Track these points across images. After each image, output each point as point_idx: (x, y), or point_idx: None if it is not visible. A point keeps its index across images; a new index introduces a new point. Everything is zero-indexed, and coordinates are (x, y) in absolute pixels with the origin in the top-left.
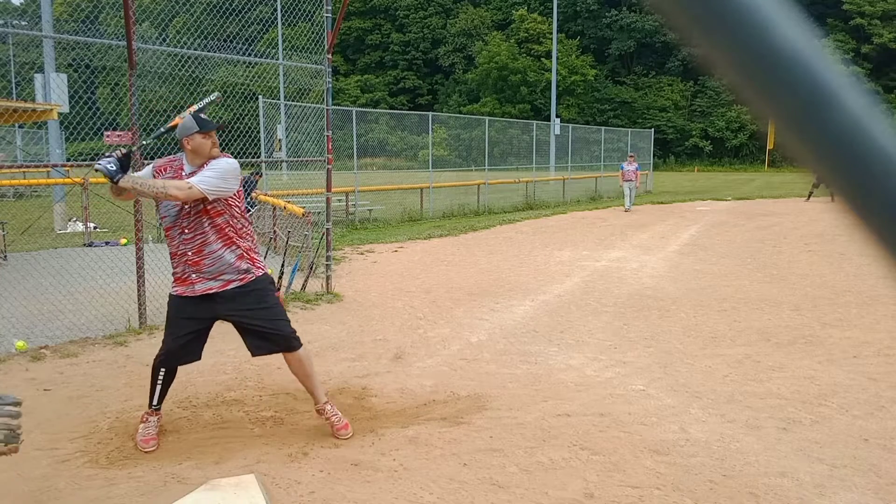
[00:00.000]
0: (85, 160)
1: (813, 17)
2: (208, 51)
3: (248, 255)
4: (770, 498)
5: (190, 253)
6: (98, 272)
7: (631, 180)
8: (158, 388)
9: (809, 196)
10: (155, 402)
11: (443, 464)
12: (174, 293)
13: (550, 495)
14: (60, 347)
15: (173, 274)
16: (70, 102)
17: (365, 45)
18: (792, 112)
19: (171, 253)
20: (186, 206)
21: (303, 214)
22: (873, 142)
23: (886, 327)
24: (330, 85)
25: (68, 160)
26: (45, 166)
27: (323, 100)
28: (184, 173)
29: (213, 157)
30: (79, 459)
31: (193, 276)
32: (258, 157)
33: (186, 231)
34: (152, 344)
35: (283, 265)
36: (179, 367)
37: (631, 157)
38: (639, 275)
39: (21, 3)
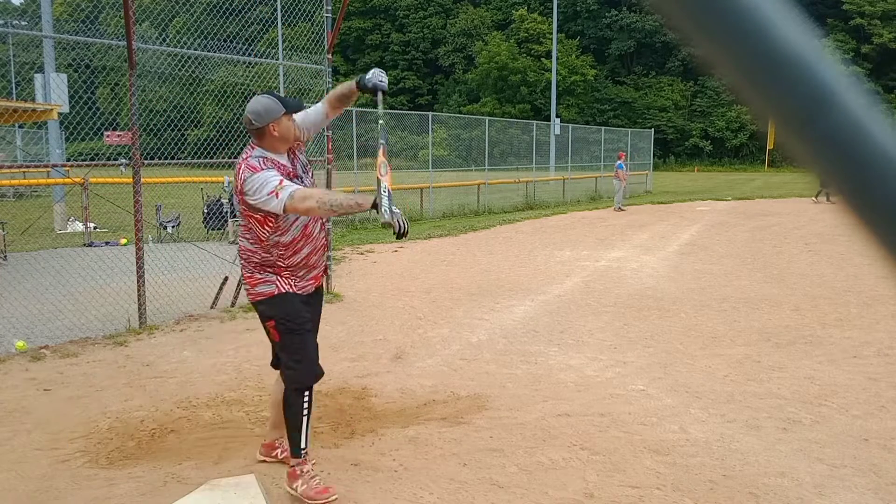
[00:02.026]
0: (85, 160)
1: (813, 17)
2: (208, 51)
3: None
4: (770, 498)
5: (315, 250)
6: (98, 272)
7: (622, 179)
8: (305, 419)
9: (818, 195)
10: (304, 444)
11: (443, 464)
12: (297, 291)
13: (550, 495)
14: (60, 347)
15: (293, 277)
16: (70, 102)
17: (365, 46)
18: (792, 112)
19: (293, 256)
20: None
21: None
22: (873, 142)
23: (886, 327)
24: (330, 85)
25: (68, 160)
26: (45, 166)
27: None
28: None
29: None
30: (79, 459)
31: (314, 270)
32: None
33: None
34: (152, 344)
35: None
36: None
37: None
38: (639, 275)
39: (21, 3)
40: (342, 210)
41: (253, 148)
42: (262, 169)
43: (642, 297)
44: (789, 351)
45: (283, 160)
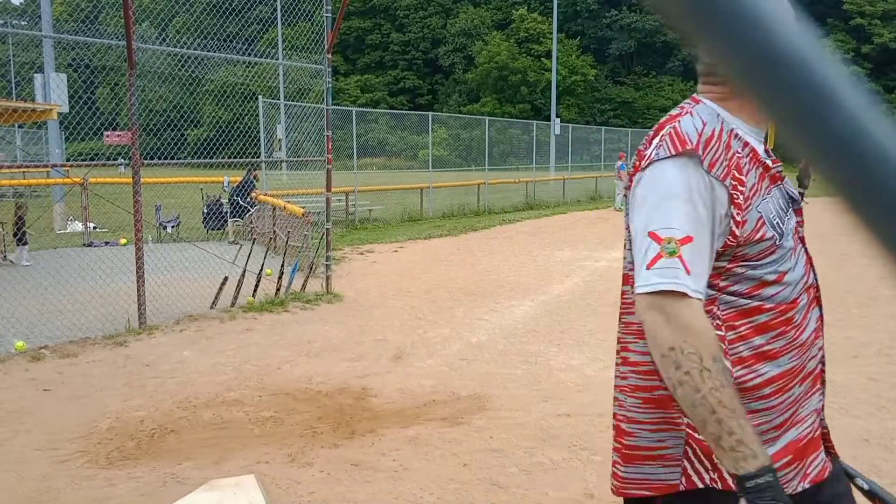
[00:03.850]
0: (84, 160)
1: (813, 17)
2: (208, 51)
3: None
4: None
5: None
6: (98, 272)
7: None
8: None
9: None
10: None
11: (443, 464)
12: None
13: (550, 495)
14: (60, 347)
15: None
16: (70, 102)
17: (365, 45)
18: (792, 112)
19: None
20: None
21: (302, 214)
22: (874, 142)
23: (886, 327)
24: (330, 85)
25: (68, 160)
26: (45, 166)
27: (323, 100)
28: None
29: None
30: (79, 459)
31: (804, 426)
32: (258, 156)
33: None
34: (152, 344)
35: (282, 265)
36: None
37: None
38: None
39: (21, 3)
40: (702, 416)
41: (696, 102)
42: (681, 156)
43: None
44: None
45: (758, 145)
